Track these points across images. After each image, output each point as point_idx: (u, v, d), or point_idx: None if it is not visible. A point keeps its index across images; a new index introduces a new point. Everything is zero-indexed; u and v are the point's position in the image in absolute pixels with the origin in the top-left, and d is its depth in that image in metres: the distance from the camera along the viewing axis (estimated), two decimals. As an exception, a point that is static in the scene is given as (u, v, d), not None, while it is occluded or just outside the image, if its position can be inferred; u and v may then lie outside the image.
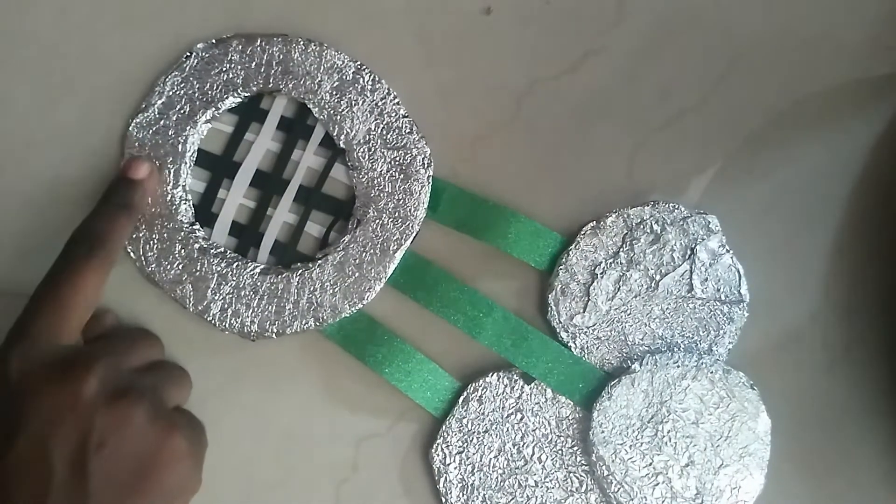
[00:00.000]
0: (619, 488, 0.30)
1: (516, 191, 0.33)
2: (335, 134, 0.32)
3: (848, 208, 0.33)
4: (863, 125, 0.33)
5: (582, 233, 0.32)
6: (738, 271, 0.31)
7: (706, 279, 0.31)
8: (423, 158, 0.32)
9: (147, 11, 0.34)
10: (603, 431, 0.30)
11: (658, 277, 0.31)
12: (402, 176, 0.32)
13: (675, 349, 0.31)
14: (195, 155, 0.32)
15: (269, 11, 0.34)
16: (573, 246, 0.31)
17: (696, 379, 0.30)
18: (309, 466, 0.31)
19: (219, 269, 0.31)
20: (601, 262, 0.31)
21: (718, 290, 0.31)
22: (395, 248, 0.31)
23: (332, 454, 0.31)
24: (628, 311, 0.31)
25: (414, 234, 0.31)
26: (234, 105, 0.33)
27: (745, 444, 0.30)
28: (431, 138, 0.33)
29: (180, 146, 0.32)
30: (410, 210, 0.31)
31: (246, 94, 0.32)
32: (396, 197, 0.31)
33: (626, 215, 0.32)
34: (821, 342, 0.32)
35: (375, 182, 0.32)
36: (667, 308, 0.31)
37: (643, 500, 0.29)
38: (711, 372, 0.30)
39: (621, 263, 0.31)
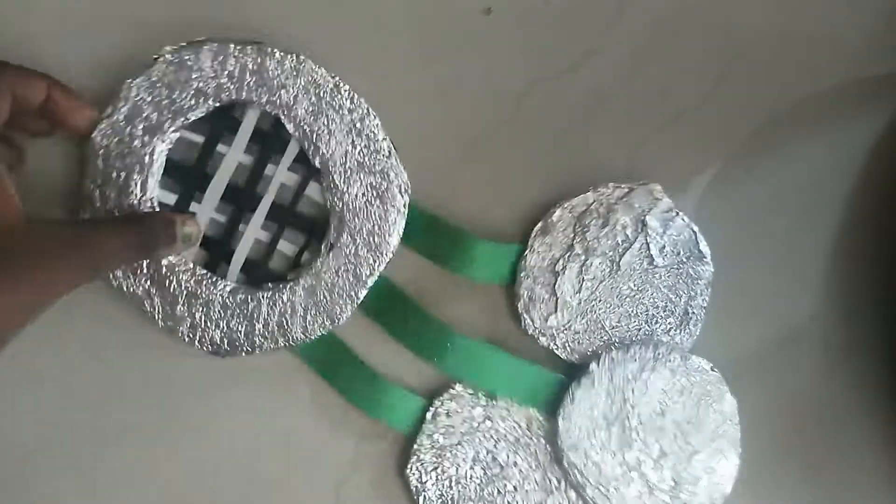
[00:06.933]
0: (594, 491, 0.30)
1: (515, 190, 0.33)
2: (311, 153, 0.31)
3: (848, 208, 0.33)
4: (863, 125, 0.33)
5: (533, 235, 0.32)
6: (692, 228, 0.31)
7: (663, 246, 0.31)
8: (401, 185, 0.31)
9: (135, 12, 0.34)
10: (570, 437, 0.30)
11: (617, 258, 0.31)
12: (378, 202, 0.31)
13: (634, 342, 0.31)
14: (163, 166, 0.31)
15: (264, 9, 0.34)
16: (528, 251, 0.31)
17: (655, 370, 0.30)
18: (309, 466, 0.31)
19: (188, 286, 0.30)
20: (559, 259, 0.31)
21: (678, 252, 0.31)
22: (368, 274, 0.31)
23: (331, 454, 0.31)
24: (598, 299, 0.31)
25: (387, 262, 0.31)
26: (204, 115, 0.31)
27: (714, 427, 0.30)
28: (430, 139, 0.33)
29: (147, 157, 0.31)
30: (385, 237, 0.31)
31: (216, 105, 0.31)
32: (372, 223, 0.31)
33: (569, 207, 0.32)
34: (821, 343, 0.32)
35: (351, 206, 0.31)
36: (634, 285, 0.31)
37: (621, 499, 0.29)
38: (670, 361, 0.30)
39: (578, 255, 0.31)
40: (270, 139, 0.32)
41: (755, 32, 0.34)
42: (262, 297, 0.31)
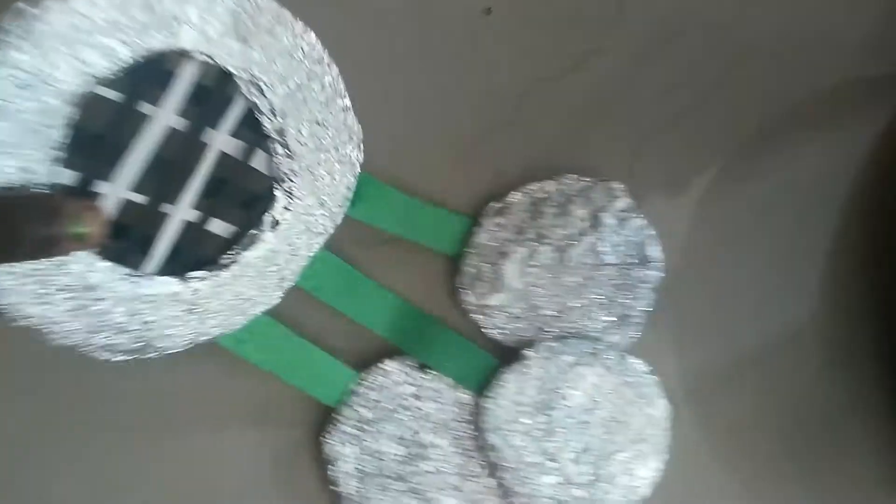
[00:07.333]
0: (510, 475, 0.29)
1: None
2: (265, 118, 0.26)
3: (848, 208, 0.33)
4: (863, 125, 0.33)
5: (487, 213, 0.31)
6: (645, 232, 0.31)
7: (614, 244, 0.31)
8: (356, 156, 0.28)
9: None
10: (495, 419, 0.30)
11: (567, 249, 0.31)
12: (330, 175, 0.27)
13: (577, 333, 0.31)
14: (66, 134, 0.23)
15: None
16: (480, 227, 0.31)
17: (590, 366, 0.30)
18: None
19: (84, 283, 0.24)
20: (509, 241, 0.31)
21: (628, 253, 0.31)
22: (309, 251, 0.28)
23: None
24: (541, 286, 0.31)
25: (335, 231, 0.28)
26: (126, 65, 0.23)
27: (640, 430, 0.30)
28: (430, 139, 0.33)
29: (33, 122, 0.22)
30: (332, 209, 0.28)
31: (144, 54, 0.23)
32: (320, 197, 0.27)
33: (529, 191, 0.31)
34: (821, 343, 0.32)
35: (302, 176, 0.26)
36: (579, 278, 0.31)
37: (535, 486, 0.29)
38: (607, 358, 0.30)
39: (529, 240, 0.31)
40: (212, 97, 0.25)
41: (755, 32, 0.34)
42: (188, 288, 0.25)
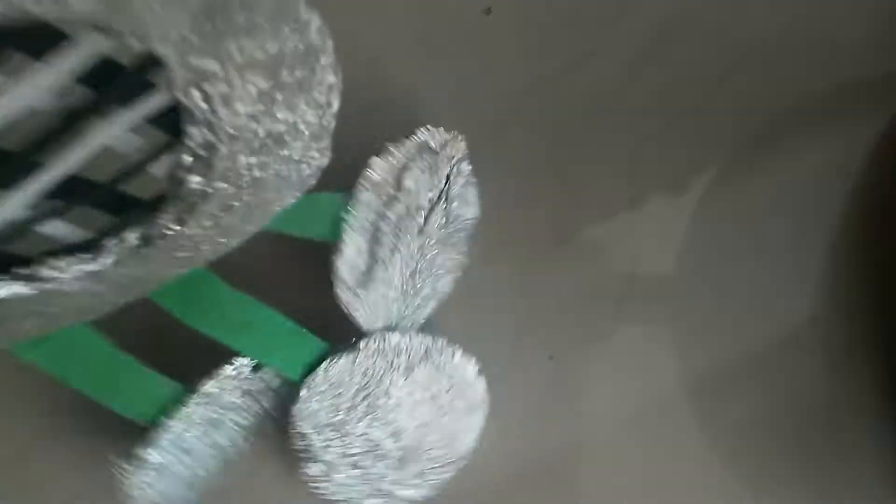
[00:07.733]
0: (317, 465, 0.27)
1: (516, 192, 0.33)
2: (196, 130, 0.17)
3: (848, 208, 0.33)
4: (863, 125, 0.33)
5: (358, 188, 0.27)
6: (469, 177, 0.29)
7: (455, 198, 0.29)
8: (306, 179, 0.22)
9: None
10: (309, 406, 0.27)
11: (427, 216, 0.28)
12: (255, 204, 0.20)
13: (412, 326, 0.29)
14: None
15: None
16: (354, 201, 0.27)
17: (420, 365, 0.28)
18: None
19: None
20: (379, 215, 0.28)
21: (461, 203, 0.29)
22: (177, 272, 0.21)
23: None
24: (407, 258, 0.28)
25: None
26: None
27: (453, 433, 0.28)
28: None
29: None
30: (235, 236, 0.21)
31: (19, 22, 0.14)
32: (237, 225, 0.21)
33: (390, 156, 0.27)
34: (821, 343, 0.32)
35: (213, 197, 0.19)
36: (438, 245, 0.29)
37: (342, 480, 0.28)
38: (438, 358, 0.28)
39: (396, 212, 0.28)
40: (122, 82, 0.16)
41: (756, 33, 0.34)
42: None
